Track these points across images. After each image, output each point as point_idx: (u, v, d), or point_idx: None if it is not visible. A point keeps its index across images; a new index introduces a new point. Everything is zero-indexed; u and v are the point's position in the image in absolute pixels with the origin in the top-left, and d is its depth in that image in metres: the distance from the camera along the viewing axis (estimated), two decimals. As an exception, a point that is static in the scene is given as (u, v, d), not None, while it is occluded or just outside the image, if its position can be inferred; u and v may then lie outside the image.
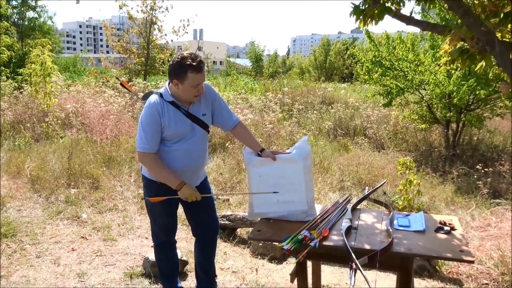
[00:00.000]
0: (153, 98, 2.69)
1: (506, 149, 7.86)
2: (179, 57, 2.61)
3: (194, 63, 2.57)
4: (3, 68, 14.41)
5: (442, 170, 6.81)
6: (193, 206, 2.90)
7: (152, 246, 4.13)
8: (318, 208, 2.91)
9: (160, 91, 2.74)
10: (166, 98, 2.69)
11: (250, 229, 3.84)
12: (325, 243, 2.39)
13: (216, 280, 3.25)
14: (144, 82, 12.57)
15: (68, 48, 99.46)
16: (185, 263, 3.69)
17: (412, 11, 4.65)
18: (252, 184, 2.83)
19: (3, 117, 8.85)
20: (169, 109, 2.67)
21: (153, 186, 2.83)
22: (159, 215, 2.97)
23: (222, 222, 4.53)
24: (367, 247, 2.31)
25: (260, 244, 4.07)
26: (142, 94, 2.82)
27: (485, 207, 5.16)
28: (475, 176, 6.10)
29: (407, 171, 4.73)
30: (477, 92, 6.94)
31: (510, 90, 2.64)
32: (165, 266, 3.14)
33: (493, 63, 2.38)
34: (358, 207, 2.96)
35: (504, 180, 6.02)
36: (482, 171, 6.09)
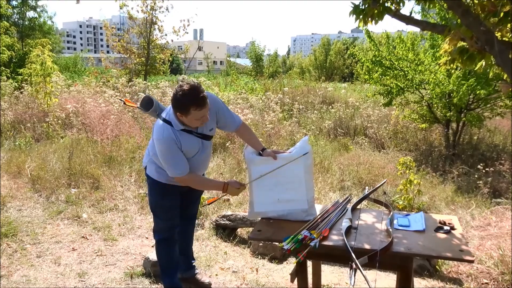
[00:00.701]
0: (165, 130, 2.67)
1: (506, 148, 7.85)
2: (180, 92, 2.55)
3: (196, 101, 2.53)
4: (4, 68, 14.41)
5: (442, 169, 6.81)
6: (188, 196, 3.13)
7: (152, 246, 4.15)
8: (318, 208, 2.92)
9: (168, 118, 2.72)
10: (176, 127, 2.71)
11: (251, 229, 3.85)
12: (325, 243, 2.39)
13: (193, 262, 3.43)
14: (145, 82, 12.58)
15: (68, 48, 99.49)
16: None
17: (412, 10, 4.65)
18: (253, 183, 2.85)
19: (4, 117, 8.86)
20: (182, 136, 2.72)
21: (159, 185, 2.95)
22: (165, 211, 3.05)
23: (223, 222, 4.54)
24: (367, 246, 2.31)
25: (261, 244, 4.07)
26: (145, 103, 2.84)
27: (485, 206, 5.16)
28: (475, 176, 6.10)
29: (407, 171, 4.73)
30: (477, 92, 6.93)
31: (510, 89, 2.64)
32: (165, 262, 3.17)
33: (493, 63, 2.38)
34: (358, 207, 2.96)
35: (504, 180, 6.02)
36: (483, 170, 6.09)
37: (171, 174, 2.76)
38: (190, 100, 2.52)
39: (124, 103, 3.45)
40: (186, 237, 3.34)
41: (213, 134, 2.96)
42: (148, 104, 2.96)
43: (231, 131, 3.05)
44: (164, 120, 2.73)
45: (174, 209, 3.05)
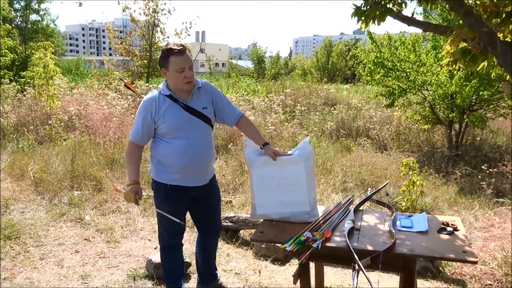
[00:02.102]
0: (150, 93, 2.80)
1: (509, 149, 7.83)
2: (163, 46, 2.75)
3: (174, 47, 2.65)
4: (6, 71, 14.47)
5: (445, 170, 6.79)
6: (201, 206, 2.99)
7: (155, 248, 4.16)
8: (321, 209, 2.91)
9: (159, 86, 2.85)
10: (163, 92, 2.75)
11: (253, 231, 3.85)
12: (328, 244, 2.39)
13: (217, 273, 3.31)
14: (147, 84, 12.61)
15: (71, 51, 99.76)
16: (188, 264, 3.69)
17: (413, 12, 4.64)
18: (254, 185, 2.84)
19: (7, 120, 8.89)
20: (166, 102, 2.73)
21: (160, 187, 2.87)
22: (167, 217, 2.93)
23: (225, 223, 4.53)
24: (369, 248, 2.31)
25: (263, 245, 4.07)
26: (145, 95, 2.84)
27: (489, 207, 5.15)
28: (479, 177, 6.08)
29: (410, 172, 4.73)
30: (481, 93, 6.92)
31: (513, 90, 2.63)
32: (169, 268, 3.12)
33: (495, 63, 2.38)
34: (360, 208, 2.96)
35: (507, 181, 6.00)
36: (487, 171, 6.08)
37: (129, 136, 2.82)
38: (169, 48, 2.66)
39: (125, 85, 3.48)
40: (208, 254, 3.22)
41: (208, 115, 2.83)
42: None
43: (231, 123, 2.97)
44: (157, 88, 2.83)
45: (179, 215, 2.88)
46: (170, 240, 3.04)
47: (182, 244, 3.13)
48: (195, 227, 3.36)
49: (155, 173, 2.88)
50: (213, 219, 3.12)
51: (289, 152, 2.85)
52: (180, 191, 2.83)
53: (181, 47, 2.67)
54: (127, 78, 14.05)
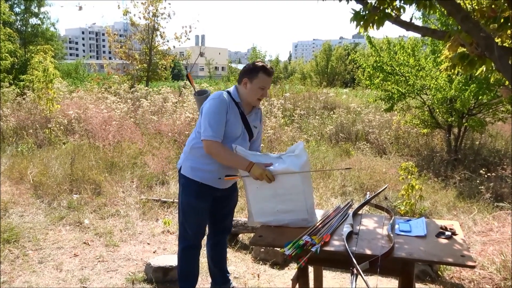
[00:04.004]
0: (223, 94, 2.82)
1: (508, 153, 7.84)
2: (254, 61, 2.89)
3: (267, 67, 2.82)
4: (6, 75, 14.48)
5: (444, 174, 6.80)
6: (222, 205, 3.08)
7: (154, 252, 4.16)
8: (320, 213, 2.91)
9: (229, 90, 2.90)
10: (234, 97, 2.85)
11: (252, 235, 3.85)
12: (326, 248, 2.39)
13: (229, 276, 3.31)
14: (146, 88, 12.63)
15: (71, 55, 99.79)
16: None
17: (412, 16, 4.67)
18: (249, 195, 2.82)
19: (6, 123, 8.89)
20: (235, 109, 2.83)
21: (194, 185, 2.88)
22: (196, 213, 2.96)
23: (224, 227, 4.54)
24: (368, 252, 2.31)
25: (262, 249, 4.07)
26: (213, 93, 2.89)
27: (487, 211, 5.15)
28: (477, 181, 6.09)
29: (409, 176, 4.73)
30: (479, 97, 6.94)
31: (511, 94, 2.65)
32: (188, 271, 3.06)
33: (493, 68, 2.39)
34: (359, 212, 2.96)
35: (506, 185, 6.01)
36: (486, 175, 6.08)
37: (203, 135, 2.72)
38: (261, 65, 2.82)
39: (187, 76, 3.65)
40: (220, 250, 3.26)
41: (254, 133, 2.97)
42: (202, 93, 3.19)
43: (252, 142, 3.04)
44: (226, 91, 2.88)
45: (205, 213, 2.99)
46: (194, 239, 3.03)
47: (201, 247, 3.11)
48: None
49: (189, 170, 2.89)
50: (230, 219, 3.26)
51: (283, 157, 2.75)
52: (210, 190, 2.91)
53: (272, 70, 2.87)
54: (127, 82, 14.06)
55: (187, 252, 3.04)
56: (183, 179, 2.94)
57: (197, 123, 2.94)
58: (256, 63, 2.84)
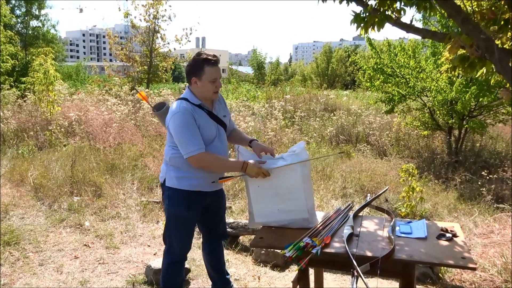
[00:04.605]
0: (181, 104, 2.66)
1: (509, 155, 7.84)
2: (196, 55, 2.71)
3: (209, 57, 2.66)
4: (7, 77, 14.50)
5: (445, 176, 6.79)
6: (213, 210, 2.99)
7: (155, 254, 4.16)
8: (320, 215, 2.91)
9: (184, 96, 2.73)
10: (193, 101, 2.69)
11: (253, 237, 3.84)
12: (327, 250, 2.39)
13: (229, 277, 3.27)
14: (147, 90, 12.64)
15: (71, 57, 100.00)
16: (188, 270, 3.69)
17: (412, 18, 4.67)
18: (250, 194, 2.82)
19: (7, 125, 8.90)
20: (198, 112, 2.69)
21: (182, 195, 2.76)
22: (185, 225, 2.85)
23: (225, 229, 4.53)
24: (368, 254, 2.31)
25: (263, 251, 4.07)
26: (172, 106, 2.77)
27: (488, 213, 5.14)
28: (478, 183, 6.08)
29: (410, 178, 4.72)
30: (480, 99, 6.94)
31: (511, 96, 2.65)
32: (171, 285, 2.95)
33: (493, 70, 2.39)
34: (360, 214, 2.96)
35: (507, 187, 6.00)
36: (487, 177, 6.07)
37: (186, 153, 2.60)
38: (205, 58, 2.65)
39: (138, 93, 3.45)
40: (218, 256, 3.19)
41: (226, 122, 2.88)
42: (160, 107, 2.99)
43: (228, 132, 2.97)
44: (180, 98, 2.74)
45: (193, 226, 2.91)
46: (180, 256, 2.92)
47: (186, 259, 3.04)
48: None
49: (175, 180, 2.77)
50: (223, 223, 3.16)
51: (284, 156, 2.80)
52: (200, 197, 2.80)
53: (216, 58, 2.69)
54: (127, 84, 14.08)
55: (172, 267, 2.92)
56: (169, 191, 2.80)
57: (167, 137, 2.83)
58: (197, 58, 2.67)
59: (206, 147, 2.67)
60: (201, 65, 2.64)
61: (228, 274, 3.30)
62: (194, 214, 2.85)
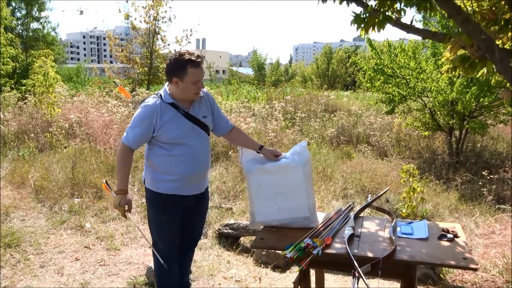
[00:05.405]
0: (152, 99, 2.64)
1: (510, 155, 7.82)
2: (177, 54, 2.60)
3: (193, 58, 2.54)
4: (8, 79, 14.52)
5: (446, 177, 6.79)
6: (192, 214, 2.88)
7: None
8: (321, 216, 2.91)
9: (160, 92, 2.69)
10: (165, 99, 2.63)
11: (253, 238, 3.84)
12: (328, 251, 2.38)
13: (190, 276, 3.24)
14: (148, 91, 12.65)
15: (72, 59, 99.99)
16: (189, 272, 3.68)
17: (412, 19, 4.66)
18: (252, 192, 2.83)
19: (8, 128, 8.90)
20: (168, 111, 2.62)
21: (159, 198, 2.71)
22: (165, 227, 2.79)
23: (225, 230, 4.53)
24: (370, 254, 2.31)
25: (264, 252, 4.06)
26: (146, 101, 2.74)
27: (489, 214, 5.14)
28: (479, 183, 6.08)
29: (411, 179, 4.72)
30: (481, 100, 6.93)
31: (512, 96, 2.64)
32: (164, 284, 2.90)
33: (494, 70, 2.39)
34: (361, 214, 2.96)
35: (508, 187, 5.99)
36: (488, 178, 6.06)
37: (122, 137, 2.64)
38: (188, 59, 2.53)
39: (119, 89, 3.39)
40: (187, 263, 3.09)
41: (207, 124, 2.77)
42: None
43: (224, 132, 2.93)
44: (157, 95, 2.69)
45: (175, 227, 2.79)
46: (167, 252, 2.83)
47: (177, 259, 2.93)
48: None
49: (151, 182, 2.74)
50: (199, 227, 3.05)
51: (287, 155, 2.83)
52: (178, 201, 2.71)
53: (200, 58, 2.58)
54: (128, 86, 14.09)
55: (162, 266, 2.79)
56: (148, 193, 2.78)
57: None
58: (180, 57, 2.55)
59: (171, 145, 2.63)
60: (184, 66, 2.54)
61: (191, 272, 3.20)
62: (173, 217, 2.77)
